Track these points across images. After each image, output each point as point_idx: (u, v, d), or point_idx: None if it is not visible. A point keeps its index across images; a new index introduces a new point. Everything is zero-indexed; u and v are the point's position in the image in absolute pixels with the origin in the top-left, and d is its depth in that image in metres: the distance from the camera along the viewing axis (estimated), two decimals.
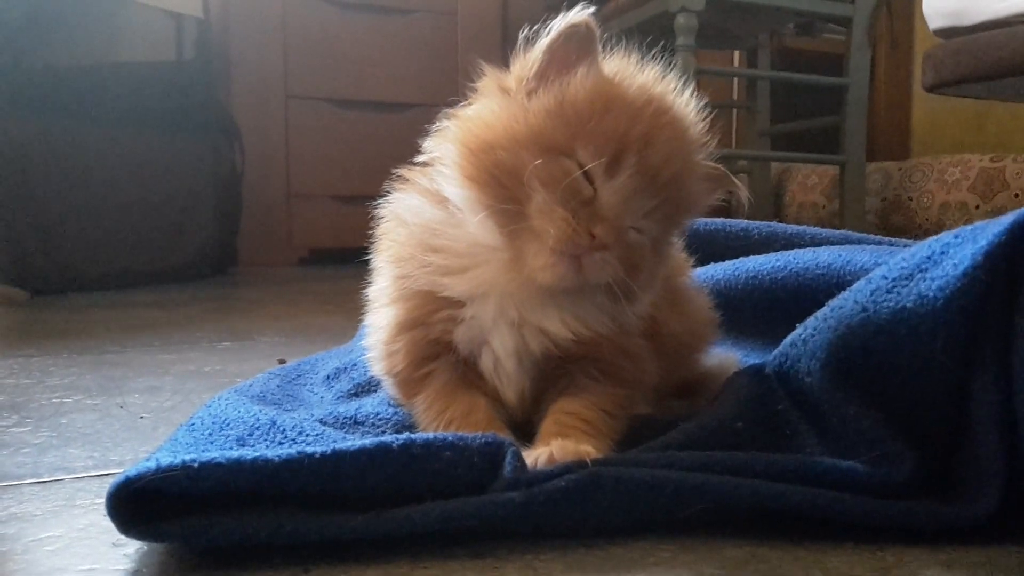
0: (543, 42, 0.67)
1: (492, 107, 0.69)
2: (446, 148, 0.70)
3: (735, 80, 3.81)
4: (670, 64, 0.73)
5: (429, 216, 0.71)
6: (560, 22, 0.67)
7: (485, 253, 0.69)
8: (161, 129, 2.58)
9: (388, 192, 0.75)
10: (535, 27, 0.69)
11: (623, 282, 0.66)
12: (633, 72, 0.71)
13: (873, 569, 0.53)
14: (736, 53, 3.73)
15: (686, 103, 0.72)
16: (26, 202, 2.15)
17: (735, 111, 3.80)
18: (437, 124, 0.73)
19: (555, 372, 0.71)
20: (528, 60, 0.68)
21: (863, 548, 0.56)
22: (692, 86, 0.73)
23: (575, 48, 0.67)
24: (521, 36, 0.70)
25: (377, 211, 0.76)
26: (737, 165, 3.37)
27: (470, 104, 0.72)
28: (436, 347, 0.72)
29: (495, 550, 0.55)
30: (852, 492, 0.58)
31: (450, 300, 0.70)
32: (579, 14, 0.66)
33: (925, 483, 0.59)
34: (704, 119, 0.73)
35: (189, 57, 2.84)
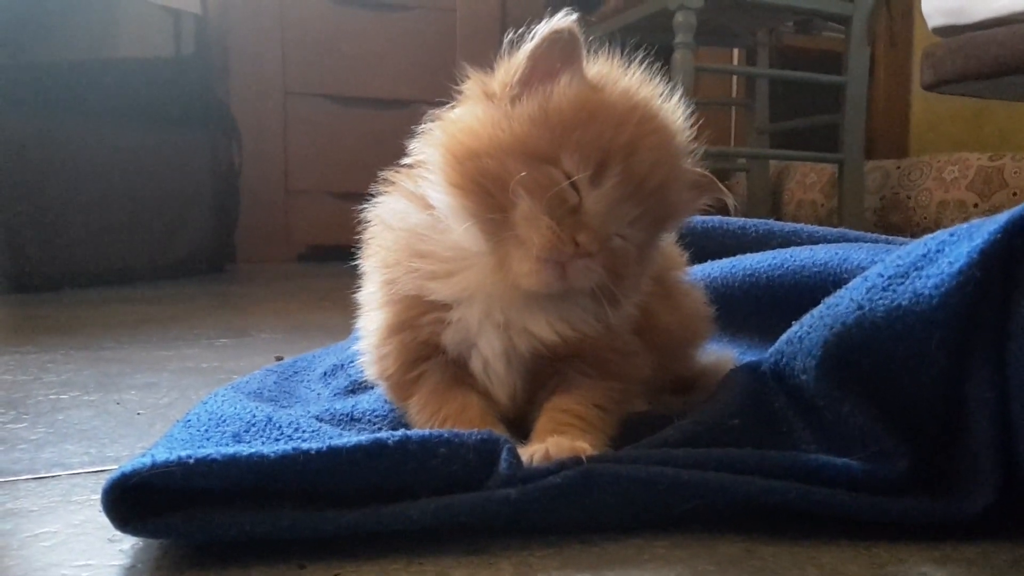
0: (526, 48, 0.67)
1: (476, 112, 0.69)
2: (431, 153, 0.69)
3: (734, 78, 3.81)
4: (656, 65, 0.73)
5: (415, 221, 0.71)
6: (543, 28, 0.66)
7: (470, 257, 0.69)
8: (159, 125, 2.58)
9: (374, 195, 0.75)
10: (519, 30, 0.68)
11: (607, 288, 0.66)
12: (617, 77, 0.70)
13: (867, 565, 0.53)
14: (735, 51, 3.73)
15: (672, 109, 0.71)
16: (23, 197, 2.14)
17: (734, 109, 3.80)
18: (422, 125, 0.72)
19: (545, 370, 0.71)
20: (512, 65, 0.68)
21: (857, 544, 0.56)
22: (679, 89, 0.73)
23: (559, 54, 0.66)
24: (506, 40, 0.69)
25: (364, 215, 0.76)
26: (735, 163, 3.37)
27: (454, 107, 0.72)
28: (426, 349, 0.72)
29: (490, 546, 0.55)
30: (847, 489, 0.58)
31: (437, 303, 0.70)
32: (563, 20, 0.66)
33: (919, 480, 0.60)
34: (691, 124, 0.72)
35: (187, 53, 2.83)
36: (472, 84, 0.71)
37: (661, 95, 0.71)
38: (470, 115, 0.69)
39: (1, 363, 1.20)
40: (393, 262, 0.72)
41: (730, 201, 0.76)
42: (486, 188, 0.65)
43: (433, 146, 0.69)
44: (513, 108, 0.67)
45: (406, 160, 0.73)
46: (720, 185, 0.74)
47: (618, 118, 0.66)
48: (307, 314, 1.79)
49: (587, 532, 0.57)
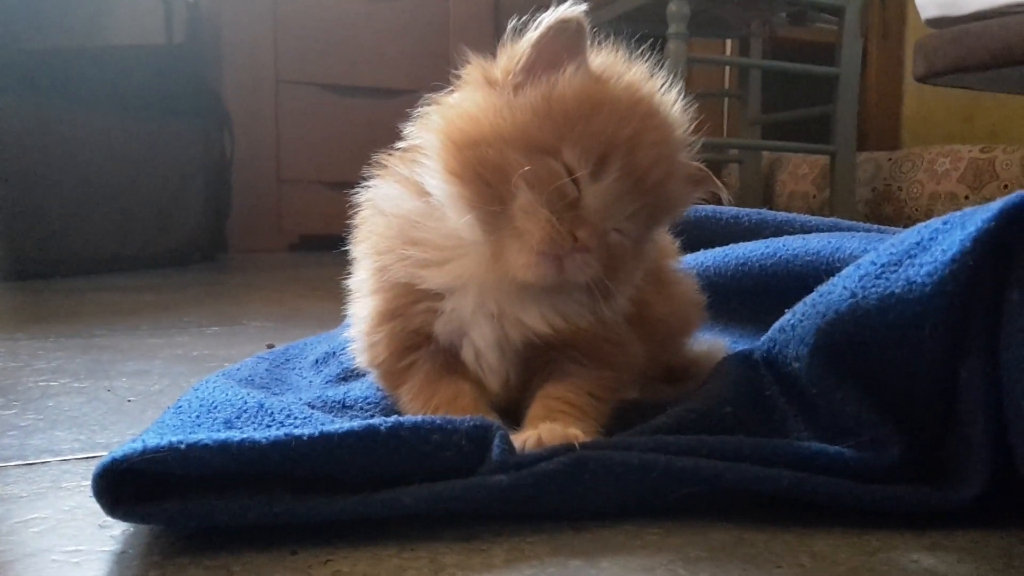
0: (532, 36, 0.66)
1: (477, 99, 0.68)
2: (428, 139, 0.69)
3: (727, 69, 3.80)
4: (659, 59, 0.72)
5: (408, 207, 0.71)
6: (550, 17, 0.66)
7: (464, 246, 0.68)
8: (151, 113, 2.57)
9: (367, 179, 0.75)
10: (523, 18, 0.68)
11: (601, 281, 0.66)
12: (621, 69, 0.70)
13: (859, 552, 0.53)
14: (728, 42, 3.72)
15: (673, 103, 0.71)
16: (13, 185, 2.13)
17: (726, 100, 3.80)
18: (420, 110, 0.72)
19: (538, 359, 0.71)
20: (516, 53, 0.67)
21: (849, 532, 0.56)
22: (680, 82, 0.73)
23: (564, 44, 0.66)
24: (509, 26, 0.69)
25: (355, 199, 0.75)
26: (728, 154, 3.37)
27: (453, 92, 0.71)
28: (417, 337, 0.72)
29: (483, 533, 0.55)
30: (839, 476, 0.58)
31: (429, 292, 0.70)
32: (570, 10, 0.65)
33: (912, 468, 0.60)
34: (691, 118, 0.72)
35: (179, 41, 2.82)
36: (473, 69, 0.70)
37: (663, 89, 0.71)
38: (470, 101, 0.68)
39: None
40: (385, 249, 0.71)
41: (724, 195, 0.76)
42: (485, 178, 0.64)
43: (430, 131, 0.69)
44: (515, 96, 0.66)
45: (401, 145, 0.73)
46: (716, 180, 0.74)
47: (621, 112, 0.65)
48: (298, 303, 1.79)
49: (579, 518, 0.57)
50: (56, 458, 0.71)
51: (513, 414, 0.69)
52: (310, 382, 0.89)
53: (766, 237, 1.09)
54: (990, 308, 0.59)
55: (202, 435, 0.54)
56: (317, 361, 0.96)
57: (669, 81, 0.72)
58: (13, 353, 1.17)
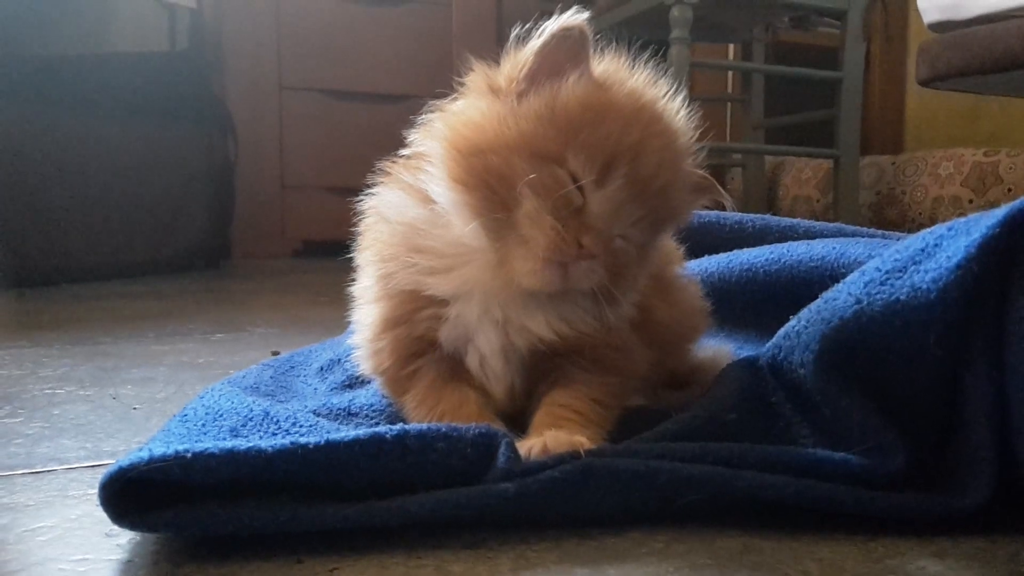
0: (535, 44, 0.66)
1: (481, 107, 0.68)
2: (433, 146, 0.69)
3: (729, 73, 3.81)
4: (662, 65, 0.72)
5: (413, 215, 0.71)
6: (553, 25, 0.66)
7: (469, 253, 0.68)
8: (154, 120, 2.57)
9: (371, 186, 0.75)
10: (527, 25, 0.68)
11: (606, 288, 0.66)
12: (624, 77, 0.70)
13: (865, 560, 0.53)
14: (731, 46, 3.72)
15: (677, 110, 0.71)
16: (18, 192, 2.14)
17: (729, 104, 3.80)
18: (423, 116, 0.72)
19: (543, 366, 0.71)
20: (519, 61, 0.67)
21: (855, 539, 0.56)
22: (684, 88, 0.73)
23: (567, 52, 0.66)
24: (512, 35, 0.69)
25: (360, 206, 0.76)
26: (731, 159, 3.37)
27: (457, 99, 0.71)
28: (421, 344, 0.71)
29: (488, 541, 0.55)
30: (844, 483, 0.58)
31: (434, 299, 0.70)
32: (573, 18, 0.65)
33: (917, 475, 0.60)
34: (694, 125, 0.72)
35: (182, 47, 2.83)
36: (476, 77, 0.70)
37: (666, 95, 0.71)
38: (474, 109, 0.68)
39: None
40: (390, 256, 0.71)
41: (728, 204, 0.76)
42: (490, 185, 0.65)
43: (435, 139, 0.69)
44: (519, 104, 0.66)
45: (404, 152, 0.73)
46: (719, 188, 0.74)
47: (625, 119, 0.65)
48: (303, 309, 1.79)
49: (585, 526, 0.57)
50: (62, 466, 0.71)
51: (518, 421, 0.69)
52: (315, 389, 0.89)
53: (770, 243, 1.09)
54: (995, 314, 0.59)
55: (208, 443, 0.54)
56: (322, 368, 0.96)
57: (672, 87, 0.72)
58: (18, 361, 1.17)
